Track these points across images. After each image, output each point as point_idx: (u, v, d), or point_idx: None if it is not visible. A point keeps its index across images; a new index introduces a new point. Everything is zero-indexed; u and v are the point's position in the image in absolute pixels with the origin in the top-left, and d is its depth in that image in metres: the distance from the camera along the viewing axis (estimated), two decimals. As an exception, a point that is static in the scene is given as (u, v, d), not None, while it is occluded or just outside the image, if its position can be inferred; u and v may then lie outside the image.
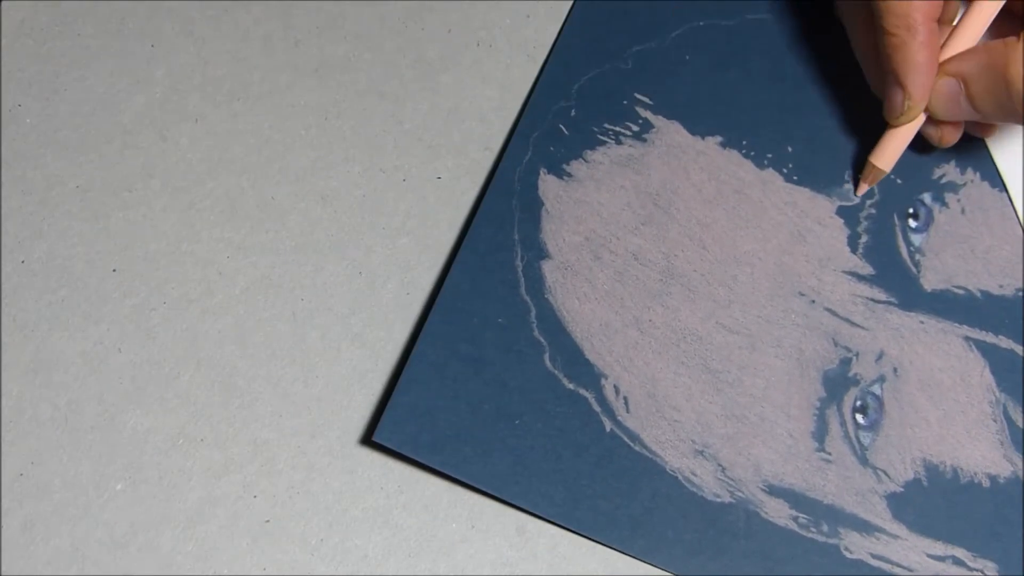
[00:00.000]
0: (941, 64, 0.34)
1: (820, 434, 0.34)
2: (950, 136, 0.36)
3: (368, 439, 0.34)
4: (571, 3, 0.39)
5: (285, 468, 0.33)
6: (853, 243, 0.36)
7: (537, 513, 0.33)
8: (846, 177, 0.37)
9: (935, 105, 0.35)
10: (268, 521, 0.33)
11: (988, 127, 0.37)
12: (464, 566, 0.33)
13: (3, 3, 0.38)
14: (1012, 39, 0.32)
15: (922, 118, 0.35)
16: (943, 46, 0.35)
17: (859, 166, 0.37)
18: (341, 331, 0.35)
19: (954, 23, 0.35)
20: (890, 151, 0.36)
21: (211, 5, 0.38)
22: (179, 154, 0.36)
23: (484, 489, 0.33)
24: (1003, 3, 0.34)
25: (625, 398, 0.34)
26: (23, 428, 0.33)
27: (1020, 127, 0.38)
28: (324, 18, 0.39)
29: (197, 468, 0.33)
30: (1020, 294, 0.36)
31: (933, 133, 0.36)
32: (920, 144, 0.37)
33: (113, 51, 0.38)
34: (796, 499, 0.33)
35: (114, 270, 0.35)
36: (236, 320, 0.35)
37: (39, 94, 0.37)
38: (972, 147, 0.38)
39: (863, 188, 0.37)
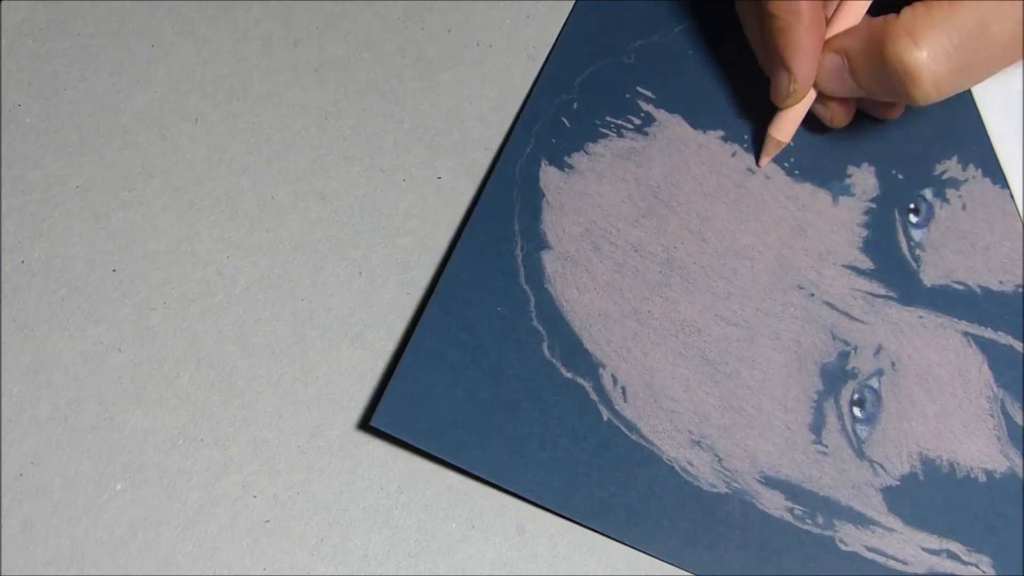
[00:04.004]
0: (827, 40, 0.34)
1: (817, 426, 0.34)
2: (840, 117, 0.36)
3: (367, 436, 0.34)
4: (572, 2, 0.39)
5: (285, 468, 0.33)
6: (853, 238, 0.36)
7: (533, 500, 0.33)
8: (848, 172, 0.37)
9: (822, 81, 0.34)
10: (268, 521, 0.33)
11: (888, 107, 0.37)
12: (464, 566, 0.33)
13: (3, 3, 0.38)
14: (892, 15, 0.32)
15: (813, 94, 0.35)
16: (830, 21, 0.34)
17: (759, 141, 0.37)
18: (341, 331, 0.35)
19: None
20: (787, 123, 0.36)
21: (211, 5, 0.38)
22: (179, 154, 0.36)
23: (480, 475, 0.33)
24: None
25: (623, 388, 0.34)
26: (23, 428, 0.33)
27: (1020, 122, 0.38)
28: (324, 18, 0.39)
29: (197, 468, 0.33)
30: (1020, 290, 0.36)
31: (823, 113, 0.36)
32: (922, 139, 0.37)
33: (113, 51, 0.38)
34: (792, 491, 0.33)
35: (114, 270, 0.35)
36: (236, 320, 0.35)
37: (39, 94, 0.37)
38: (974, 143, 0.38)
39: (765, 160, 0.37)
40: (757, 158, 0.37)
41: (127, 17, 0.38)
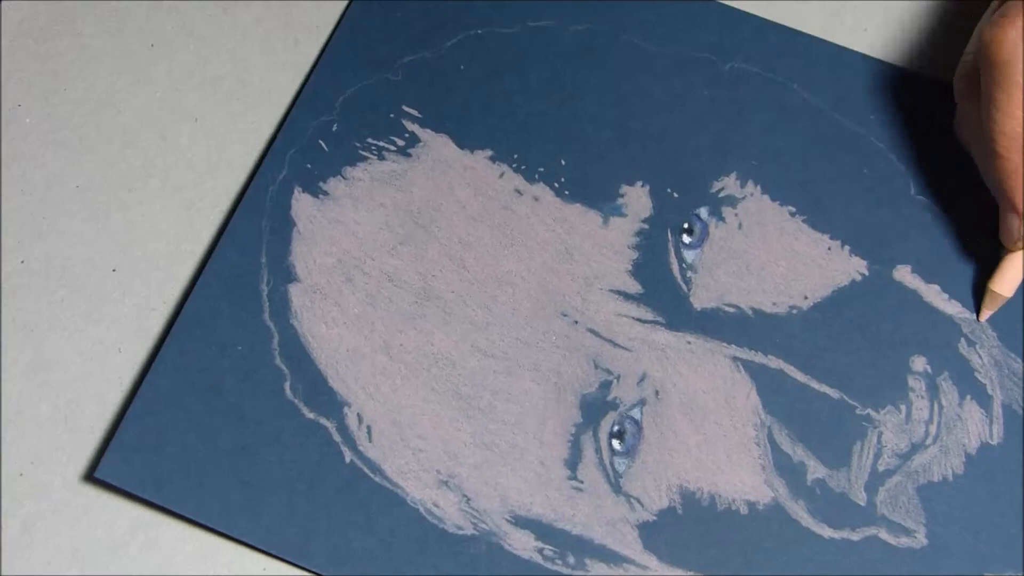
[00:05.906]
0: None
1: (573, 461, 0.32)
2: None
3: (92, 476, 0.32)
4: (344, 8, 0.38)
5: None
6: (623, 260, 0.35)
7: (265, 550, 0.31)
8: (619, 191, 0.35)
9: None
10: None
11: None
12: None
13: (3, 3, 0.38)
14: None
15: None
16: None
17: (979, 290, 0.35)
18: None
19: None
20: (1010, 276, 0.33)
21: (211, 5, 0.38)
22: (179, 154, 0.36)
23: (211, 526, 0.31)
24: None
25: (368, 427, 0.33)
26: (23, 428, 0.33)
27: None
28: (324, 18, 0.39)
29: (197, 468, 0.33)
30: (793, 312, 0.34)
31: None
32: (700, 155, 0.36)
33: (113, 51, 0.38)
34: (543, 530, 0.32)
35: (114, 270, 0.35)
36: (236, 320, 0.35)
37: (39, 94, 0.37)
38: (753, 157, 0.36)
39: (986, 314, 0.34)
40: (977, 312, 0.34)
41: (127, 17, 0.38)
